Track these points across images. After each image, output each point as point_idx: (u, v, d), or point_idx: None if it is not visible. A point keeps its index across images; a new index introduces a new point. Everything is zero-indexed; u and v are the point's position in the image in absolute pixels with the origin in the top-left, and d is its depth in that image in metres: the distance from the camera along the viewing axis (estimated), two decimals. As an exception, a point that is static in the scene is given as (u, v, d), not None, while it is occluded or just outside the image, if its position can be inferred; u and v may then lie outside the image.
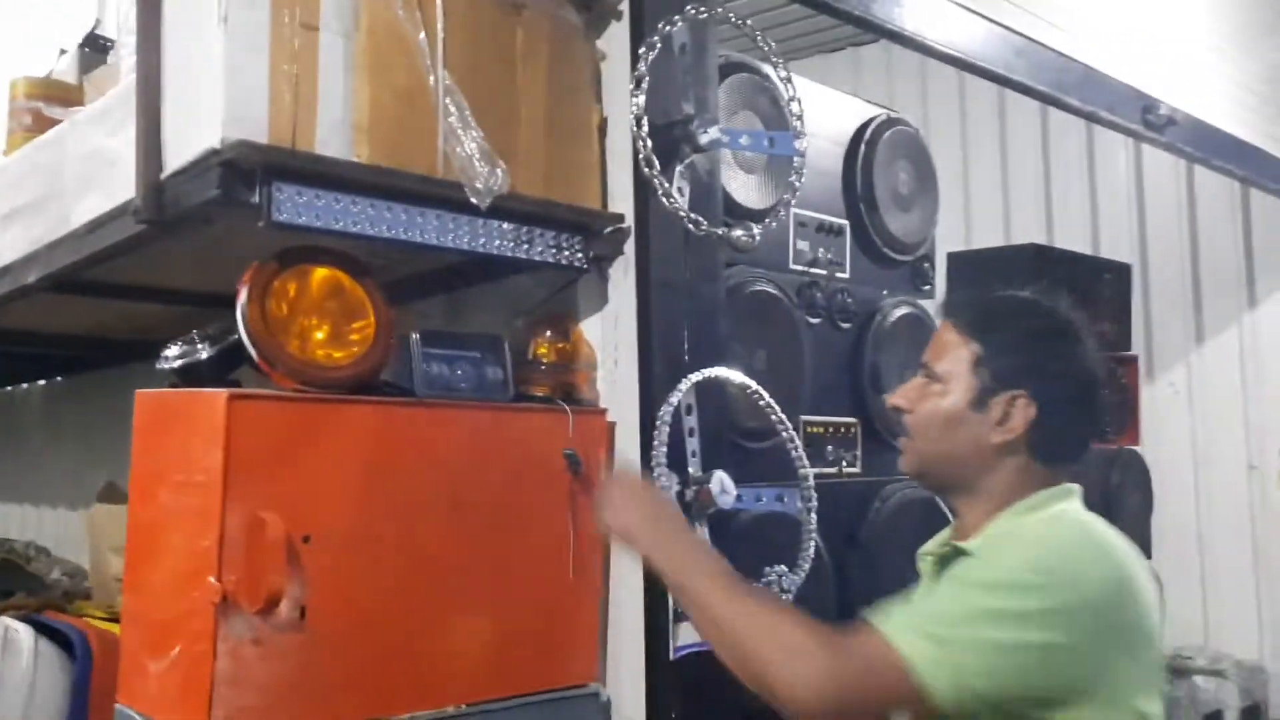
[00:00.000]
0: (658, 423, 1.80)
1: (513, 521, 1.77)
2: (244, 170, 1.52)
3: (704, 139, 1.88)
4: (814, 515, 2.03)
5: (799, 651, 1.29)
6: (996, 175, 5.10)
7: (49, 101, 2.39)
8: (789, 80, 2.02)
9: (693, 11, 1.87)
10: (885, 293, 2.62)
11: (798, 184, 2.01)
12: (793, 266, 2.41)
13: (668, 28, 1.83)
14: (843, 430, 2.42)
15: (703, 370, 1.88)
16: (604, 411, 1.92)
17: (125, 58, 1.99)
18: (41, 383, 4.24)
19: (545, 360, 1.93)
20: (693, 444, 1.89)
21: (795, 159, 2.00)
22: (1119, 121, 3.07)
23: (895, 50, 5.11)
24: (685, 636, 1.82)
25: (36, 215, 2.16)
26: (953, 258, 3.45)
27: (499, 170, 1.69)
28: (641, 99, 1.78)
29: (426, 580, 1.67)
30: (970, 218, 5.00)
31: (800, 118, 2.01)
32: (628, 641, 1.86)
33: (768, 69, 2.26)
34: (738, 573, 1.39)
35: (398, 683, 1.63)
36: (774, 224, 2.04)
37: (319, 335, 1.65)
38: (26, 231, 2.19)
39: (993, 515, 1.45)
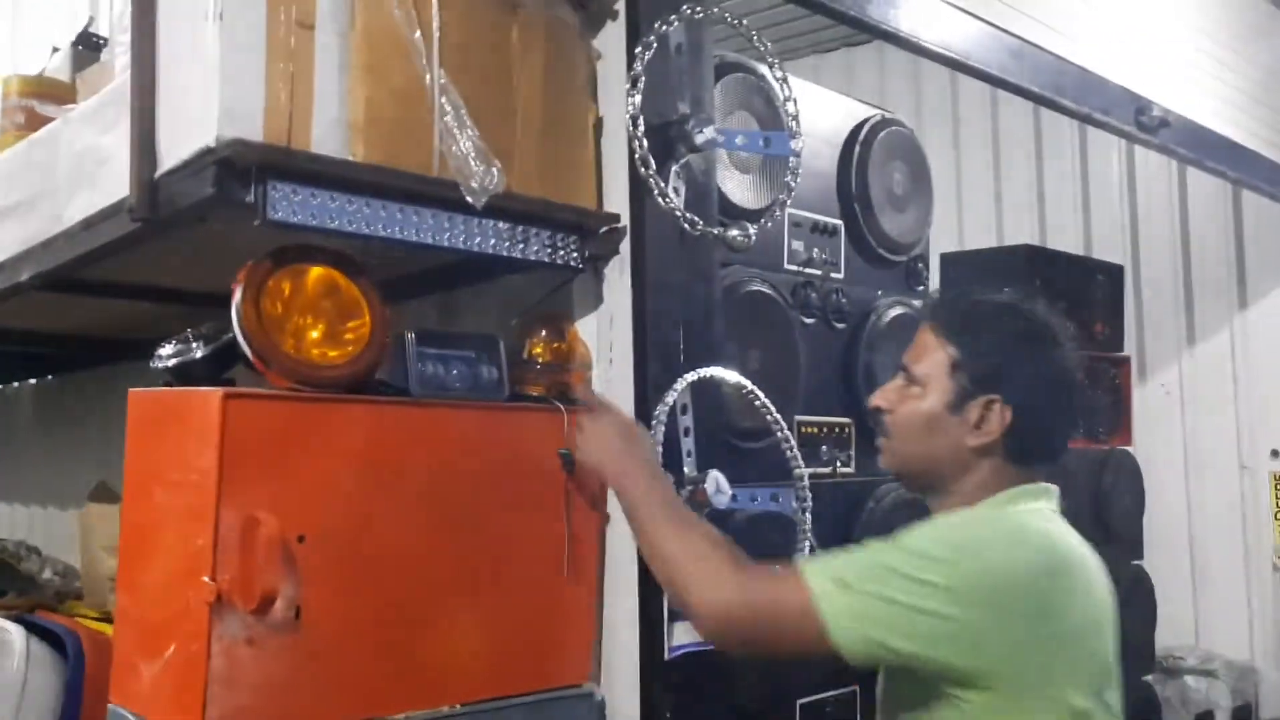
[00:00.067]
0: (653, 422, 1.80)
1: (508, 521, 1.77)
2: (239, 169, 1.51)
3: (699, 139, 1.88)
4: (809, 515, 2.04)
5: (717, 574, 1.43)
6: (989, 176, 5.11)
7: (42, 99, 2.39)
8: (785, 80, 2.02)
9: (688, 11, 1.87)
10: (880, 293, 2.62)
11: (793, 184, 2.01)
12: (787, 267, 2.42)
13: (664, 27, 1.84)
14: (837, 430, 2.42)
15: (698, 370, 1.88)
16: (599, 411, 1.91)
17: (119, 56, 1.98)
18: (32, 381, 4.23)
19: (540, 360, 1.93)
20: (688, 444, 1.89)
21: (790, 159, 2.00)
22: (1112, 123, 3.07)
23: (888, 51, 5.13)
24: (680, 637, 1.82)
25: (29, 213, 2.15)
26: (946, 258, 3.46)
27: (494, 170, 1.68)
28: (637, 99, 1.78)
29: (421, 580, 1.66)
30: (963, 218, 5.01)
31: (796, 118, 2.01)
32: (623, 641, 1.85)
33: (763, 69, 2.27)
34: (687, 509, 1.57)
35: (392, 682, 1.63)
36: (769, 224, 2.04)
37: (314, 334, 1.64)
38: (19, 230, 2.18)
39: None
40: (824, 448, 2.38)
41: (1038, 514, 1.47)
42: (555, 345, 1.95)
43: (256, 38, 1.55)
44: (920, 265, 2.80)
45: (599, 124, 1.96)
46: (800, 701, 2.14)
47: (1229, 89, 3.58)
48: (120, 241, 1.82)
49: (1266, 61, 3.83)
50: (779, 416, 2.02)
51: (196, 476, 1.50)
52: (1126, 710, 1.58)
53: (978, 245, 4.44)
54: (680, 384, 1.84)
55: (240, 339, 1.56)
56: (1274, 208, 4.27)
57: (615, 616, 1.88)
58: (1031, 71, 2.74)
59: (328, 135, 1.60)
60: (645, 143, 1.78)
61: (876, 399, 1.59)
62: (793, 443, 2.05)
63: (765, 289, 2.29)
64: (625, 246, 1.91)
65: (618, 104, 1.88)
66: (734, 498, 1.89)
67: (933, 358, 1.52)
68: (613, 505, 1.83)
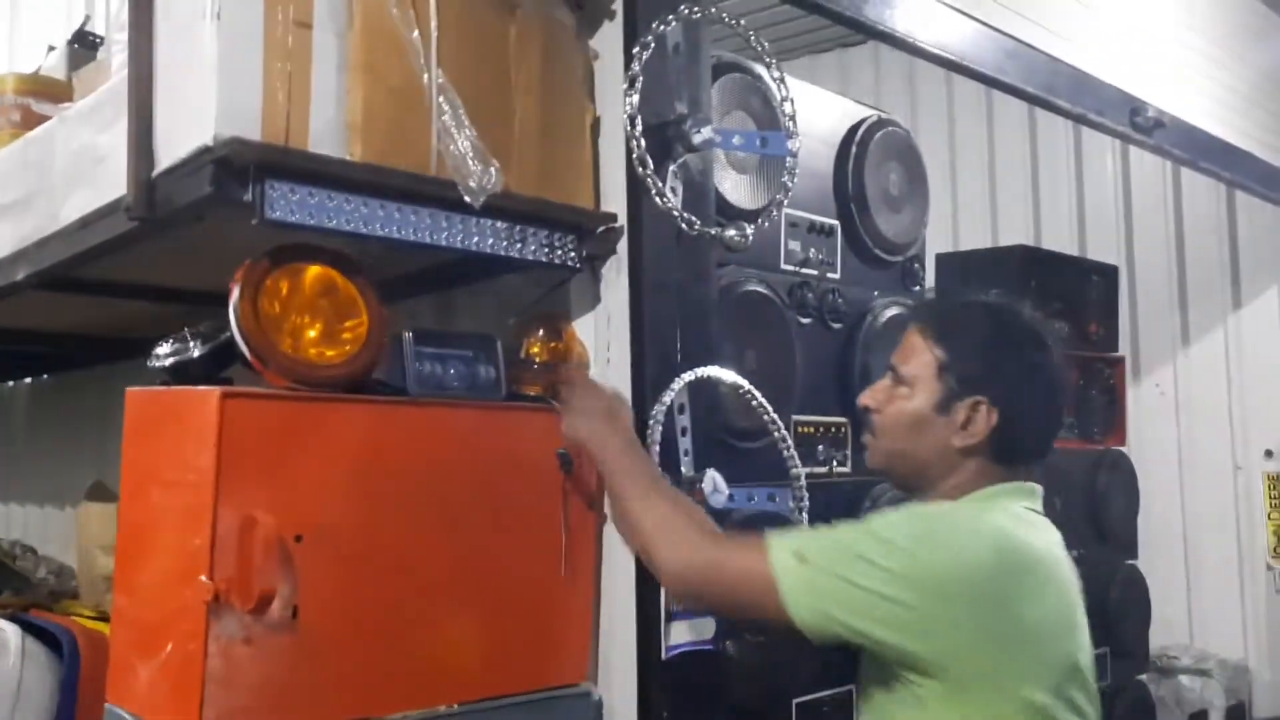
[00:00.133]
0: (650, 422, 1.80)
1: (505, 521, 1.77)
2: (237, 168, 1.51)
3: (697, 139, 1.88)
4: (805, 514, 2.04)
5: (683, 536, 1.52)
6: (984, 177, 5.12)
7: (38, 98, 2.39)
8: (782, 81, 2.02)
9: (686, 11, 1.87)
10: (876, 293, 2.62)
11: (790, 184, 2.02)
12: (784, 267, 2.42)
13: (661, 27, 1.84)
14: (833, 430, 2.42)
15: (695, 370, 1.88)
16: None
17: (115, 54, 1.98)
18: (28, 380, 4.22)
19: (538, 359, 1.93)
20: (685, 443, 1.89)
21: (787, 159, 2.01)
22: (1107, 124, 3.08)
23: (883, 51, 5.15)
24: (678, 636, 1.82)
25: (25, 212, 2.15)
26: (941, 259, 3.46)
27: (492, 169, 1.68)
28: (635, 98, 1.79)
29: (419, 579, 1.67)
30: (958, 219, 5.02)
31: (793, 118, 2.01)
32: (620, 641, 1.86)
33: (760, 69, 2.27)
34: (666, 481, 1.66)
35: (389, 682, 1.63)
36: (766, 224, 2.04)
37: (311, 333, 1.64)
38: (15, 228, 2.17)
39: None
40: (820, 447, 2.38)
41: (1008, 512, 1.49)
42: (552, 345, 1.96)
43: (254, 37, 1.54)
44: (916, 265, 2.80)
45: (596, 124, 1.96)
46: (796, 701, 2.14)
47: (1224, 90, 3.59)
48: (117, 240, 1.82)
49: (1261, 63, 3.85)
50: (776, 416, 2.02)
51: (194, 476, 1.50)
52: (1113, 710, 1.61)
53: (973, 246, 4.46)
54: (677, 384, 1.84)
55: (238, 338, 1.56)
56: (1268, 209, 4.28)
57: (612, 616, 1.88)
58: (1027, 72, 2.75)
59: (325, 134, 1.60)
60: (643, 142, 1.78)
61: (865, 398, 1.62)
62: (789, 442, 2.05)
63: (762, 289, 2.29)
64: (622, 246, 1.91)
65: (615, 104, 1.88)
66: (731, 497, 1.89)
67: (920, 359, 1.55)
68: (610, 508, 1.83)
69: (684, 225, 1.85)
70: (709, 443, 1.93)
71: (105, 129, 1.83)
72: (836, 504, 2.36)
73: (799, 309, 2.41)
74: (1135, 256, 4.71)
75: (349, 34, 1.63)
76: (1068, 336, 3.42)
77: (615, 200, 1.92)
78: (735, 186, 2.24)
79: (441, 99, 1.68)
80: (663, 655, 1.81)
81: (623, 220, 1.91)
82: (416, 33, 1.67)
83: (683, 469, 1.86)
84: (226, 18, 1.52)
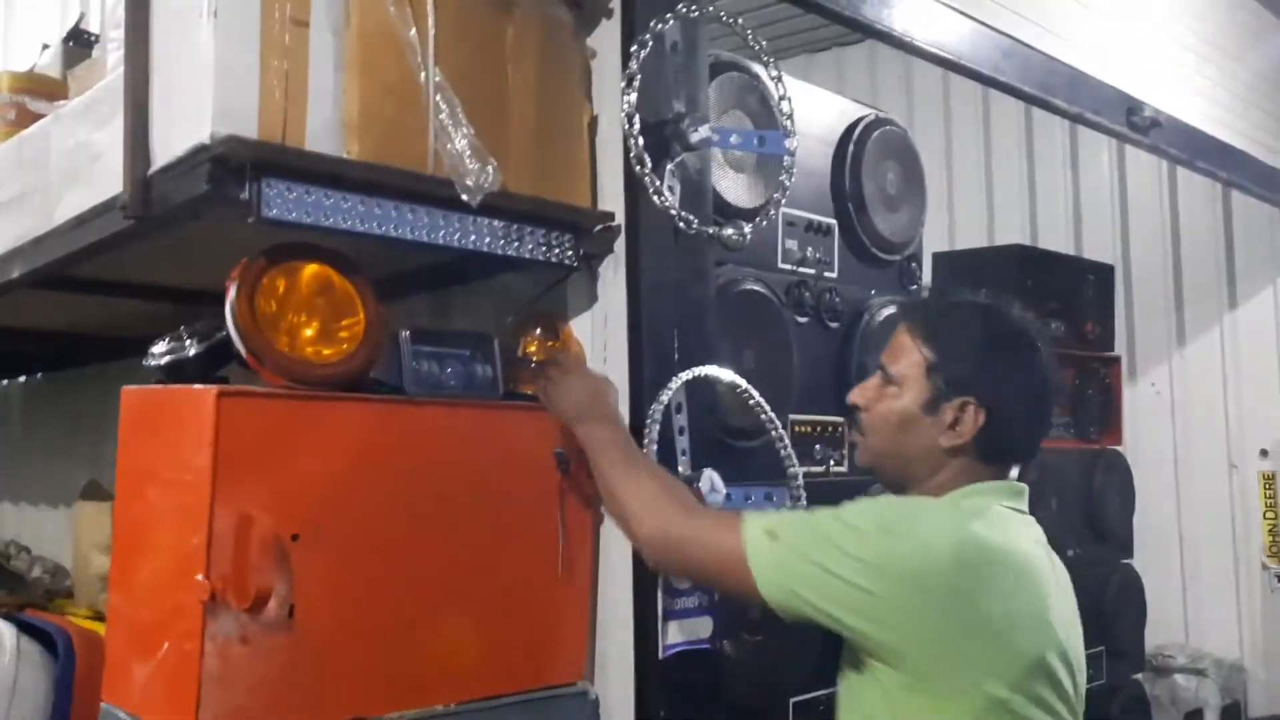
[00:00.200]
0: (647, 421, 1.80)
1: (502, 520, 1.76)
2: (234, 166, 1.50)
3: (694, 137, 1.88)
4: (802, 514, 2.04)
5: (660, 508, 1.57)
6: (980, 176, 5.13)
7: (33, 96, 2.38)
8: (779, 80, 2.02)
9: (684, 10, 1.87)
10: (873, 292, 2.62)
11: (787, 183, 2.01)
12: (781, 266, 2.42)
13: (659, 26, 1.83)
14: (830, 429, 2.42)
15: (692, 369, 1.88)
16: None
17: (111, 52, 1.98)
18: (22, 379, 4.21)
19: (535, 358, 1.93)
20: (682, 442, 1.88)
21: (785, 158, 2.00)
22: (1104, 123, 3.08)
23: (880, 51, 5.14)
24: (675, 635, 1.82)
25: (20, 210, 2.14)
26: (938, 258, 3.47)
27: (490, 168, 1.68)
28: (633, 97, 1.78)
29: (415, 579, 1.66)
30: (954, 218, 5.02)
31: (790, 117, 2.01)
32: (617, 640, 1.85)
33: (758, 68, 2.27)
34: (649, 458, 1.71)
35: (386, 681, 1.62)
36: (764, 223, 2.04)
37: (308, 332, 1.64)
38: (10, 227, 2.17)
39: None
40: (817, 447, 2.38)
41: (980, 510, 1.49)
42: (550, 344, 1.95)
43: (251, 35, 1.54)
44: (913, 265, 2.80)
45: (594, 122, 1.96)
46: (793, 700, 2.14)
47: (1220, 90, 3.60)
48: (113, 239, 1.81)
49: (1257, 63, 3.86)
50: (773, 415, 2.02)
51: (190, 475, 1.50)
52: (1108, 709, 1.62)
53: (969, 245, 4.47)
54: (675, 383, 1.84)
55: (234, 337, 1.55)
56: (1263, 208, 4.29)
57: (609, 615, 1.88)
58: (1023, 71, 2.75)
59: (322, 133, 1.60)
60: (640, 141, 1.78)
61: (854, 396, 1.64)
62: (787, 442, 2.05)
63: (759, 288, 2.29)
64: (620, 245, 1.91)
65: (613, 102, 1.88)
66: (728, 496, 1.89)
67: (909, 359, 1.56)
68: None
69: (681, 224, 1.85)
70: (706, 442, 1.93)
71: (101, 127, 1.83)
72: (834, 503, 2.36)
73: (796, 308, 2.41)
74: (1131, 256, 4.72)
75: (346, 32, 1.63)
76: (1064, 336, 3.43)
77: (613, 199, 1.92)
78: (733, 185, 2.24)
79: (439, 97, 1.68)
80: (660, 654, 1.81)
81: (620, 219, 1.91)
82: (414, 31, 1.66)
83: (680, 468, 1.86)
84: (223, 15, 1.51)
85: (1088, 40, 2.95)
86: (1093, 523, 3.35)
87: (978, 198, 5.10)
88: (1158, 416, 4.56)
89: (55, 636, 2.28)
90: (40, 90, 2.42)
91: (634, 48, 1.80)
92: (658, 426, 1.80)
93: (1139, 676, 3.53)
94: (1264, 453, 4.38)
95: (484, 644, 1.74)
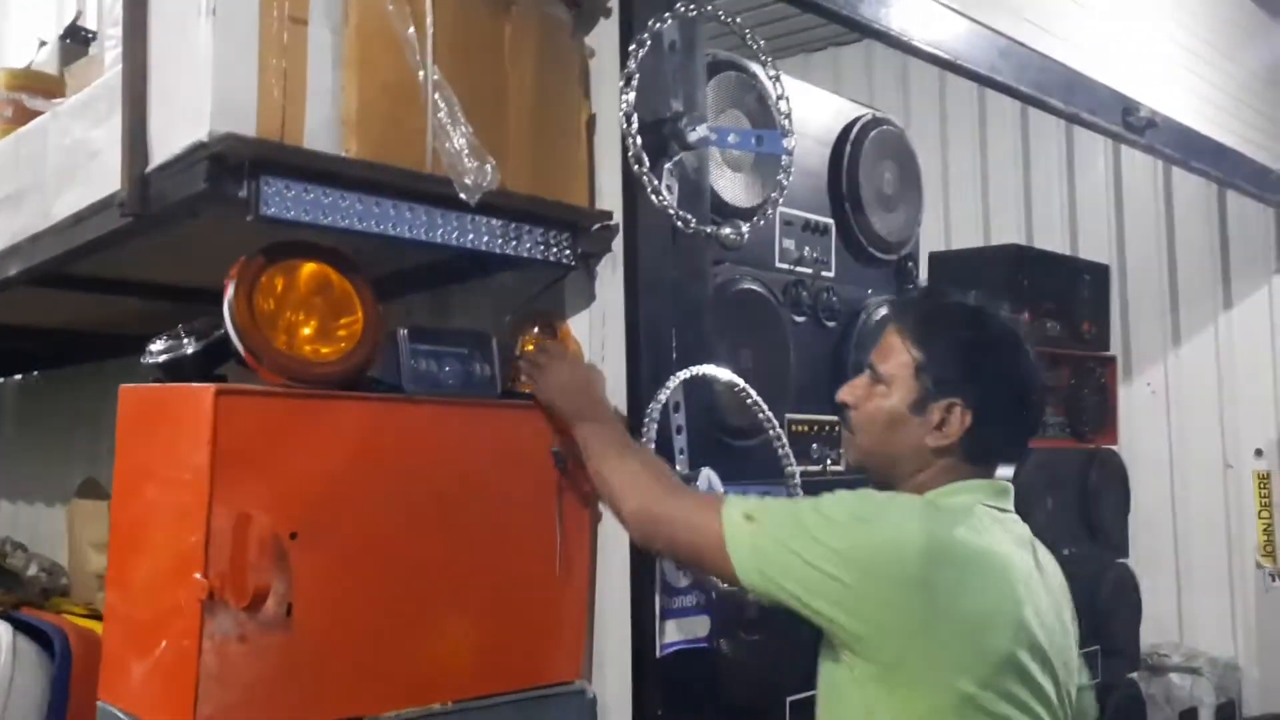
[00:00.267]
0: (645, 420, 1.80)
1: (500, 518, 1.77)
2: (232, 164, 1.50)
3: (692, 136, 1.88)
4: (800, 513, 2.04)
5: (646, 490, 1.62)
6: (976, 176, 5.13)
7: (30, 93, 2.38)
8: (777, 79, 2.02)
9: (682, 9, 1.87)
10: (870, 292, 2.63)
11: (785, 182, 2.02)
12: (778, 265, 2.42)
13: (657, 25, 1.83)
14: (828, 428, 2.42)
15: (690, 368, 1.88)
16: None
17: (108, 49, 1.97)
18: (18, 377, 4.20)
19: (531, 357, 1.92)
20: (680, 441, 1.89)
21: (783, 158, 2.00)
22: (1100, 123, 3.09)
23: (876, 50, 5.15)
24: (672, 634, 1.82)
25: (17, 208, 2.14)
26: (934, 258, 3.46)
27: (488, 166, 1.68)
28: (631, 96, 1.78)
29: (413, 577, 1.66)
30: (950, 218, 5.02)
31: (788, 116, 2.01)
32: (614, 639, 1.86)
33: (756, 68, 2.27)
34: (635, 443, 1.74)
35: (384, 680, 1.62)
36: (761, 222, 2.04)
37: (306, 331, 1.64)
38: (7, 224, 2.17)
39: None
40: (815, 445, 2.38)
41: (962, 508, 1.51)
42: (566, 349, 1.95)
43: (249, 32, 1.54)
44: (910, 264, 2.80)
45: (592, 121, 1.96)
46: (790, 699, 2.14)
47: (1215, 90, 3.60)
48: (110, 236, 1.81)
49: (1253, 63, 3.86)
50: (770, 414, 2.02)
51: (188, 473, 1.50)
52: (1103, 708, 1.63)
53: (965, 244, 4.47)
54: (672, 382, 1.84)
55: (232, 335, 1.56)
56: (1258, 208, 4.30)
57: (607, 614, 1.88)
58: (1020, 71, 2.75)
59: (321, 131, 1.60)
60: (638, 140, 1.78)
61: (843, 394, 1.65)
62: (784, 440, 2.05)
63: (756, 287, 2.29)
64: (618, 244, 1.91)
65: (611, 101, 1.88)
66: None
67: (897, 359, 1.58)
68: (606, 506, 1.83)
69: (679, 223, 1.85)
70: (704, 441, 1.93)
71: (98, 124, 1.83)
72: (830, 502, 2.36)
73: (793, 307, 2.41)
74: (1126, 256, 4.72)
75: (344, 30, 1.63)
76: (1059, 335, 3.43)
77: (610, 198, 1.92)
78: (730, 185, 2.24)
79: (437, 96, 1.68)
80: (657, 654, 1.81)
81: (618, 218, 1.91)
82: (412, 29, 1.66)
83: (678, 467, 1.86)
84: (222, 13, 1.51)
85: (1085, 40, 2.95)
86: (1088, 522, 3.35)
87: (974, 198, 5.10)
88: (1153, 416, 4.57)
89: (51, 635, 2.28)
90: (37, 87, 2.42)
91: (632, 47, 1.80)
92: (655, 425, 1.80)
93: (1134, 675, 3.53)
94: (1259, 452, 4.38)
95: (482, 643, 1.74)
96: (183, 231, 1.82)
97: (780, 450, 2.05)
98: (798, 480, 2.05)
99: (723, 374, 1.95)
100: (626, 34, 1.87)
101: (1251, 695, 4.29)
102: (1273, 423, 4.35)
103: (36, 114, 2.23)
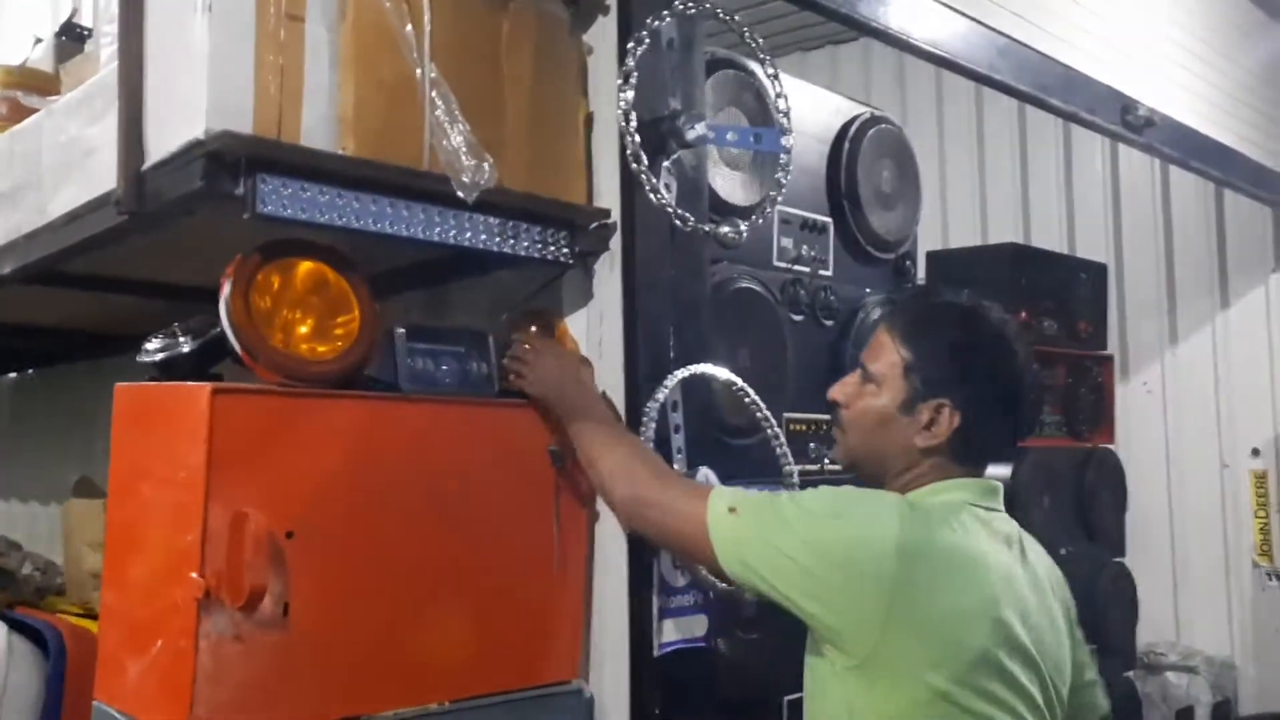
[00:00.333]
0: (643, 419, 1.80)
1: (497, 517, 1.76)
2: (228, 162, 1.50)
3: (691, 135, 1.87)
4: (798, 512, 2.03)
5: (634, 477, 1.65)
6: (974, 175, 5.12)
7: (25, 91, 2.36)
8: (776, 77, 2.01)
9: (680, 7, 1.87)
10: (868, 290, 2.62)
11: (783, 181, 2.01)
12: (776, 264, 2.42)
13: (655, 22, 1.83)
14: (825, 427, 2.41)
15: (688, 367, 1.88)
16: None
17: (104, 46, 1.96)
18: (12, 375, 4.19)
19: (528, 355, 1.92)
20: (678, 440, 1.88)
21: (781, 156, 2.00)
22: (1099, 122, 3.08)
23: (874, 48, 5.14)
24: (670, 634, 1.82)
25: (12, 206, 2.13)
26: (932, 257, 3.47)
27: (486, 164, 1.67)
28: (629, 94, 1.78)
29: (410, 576, 1.66)
30: (947, 217, 5.02)
31: (787, 114, 2.01)
32: (612, 638, 1.85)
33: (754, 66, 2.26)
34: (626, 431, 1.78)
35: (381, 679, 1.62)
36: (760, 221, 2.03)
37: (303, 329, 1.64)
38: (2, 222, 2.16)
39: None
40: (812, 444, 2.38)
41: (945, 506, 1.51)
42: (553, 341, 1.94)
43: (246, 30, 1.53)
44: (908, 263, 2.81)
45: (590, 119, 1.96)
46: (787, 698, 2.14)
47: (1214, 89, 3.60)
48: (106, 234, 1.80)
49: (1251, 63, 3.86)
50: (768, 413, 2.02)
51: (184, 472, 1.49)
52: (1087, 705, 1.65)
53: (962, 243, 4.47)
54: (670, 380, 1.84)
55: (229, 333, 1.55)
56: (1255, 207, 4.30)
57: (604, 613, 1.87)
58: (1018, 70, 2.74)
59: (318, 128, 1.59)
60: (636, 138, 1.77)
61: (834, 392, 1.66)
62: (782, 439, 2.05)
63: (754, 286, 2.29)
64: (616, 242, 1.91)
65: (609, 99, 1.88)
66: (723, 494, 1.88)
67: (887, 359, 1.58)
68: (603, 505, 1.83)
69: (677, 221, 1.84)
70: (702, 440, 1.93)
71: (94, 122, 1.82)
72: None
73: (791, 306, 2.41)
74: (1124, 255, 4.72)
75: (341, 27, 1.62)
76: (1056, 334, 3.44)
77: (609, 196, 1.92)
78: (728, 183, 2.23)
79: (434, 93, 1.67)
80: (655, 653, 1.81)
81: (616, 216, 1.91)
82: (409, 26, 1.66)
83: (676, 466, 1.86)
84: (218, 10, 1.50)
85: (1083, 39, 2.95)
86: (1085, 521, 3.36)
87: (971, 197, 5.09)
88: (1150, 415, 4.56)
89: (46, 634, 2.27)
90: (32, 85, 2.40)
91: (630, 44, 1.80)
92: (654, 424, 1.80)
93: (1130, 674, 3.54)
94: (1255, 451, 4.38)
95: (478, 642, 1.74)
96: (179, 229, 1.82)
97: (778, 449, 2.04)
98: (796, 479, 2.05)
99: (721, 373, 1.94)
100: (624, 31, 1.87)
101: (1247, 694, 4.29)
102: (1269, 422, 4.35)
103: (31, 111, 2.22)
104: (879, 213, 2.67)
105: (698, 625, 1.87)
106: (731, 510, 1.52)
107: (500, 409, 1.80)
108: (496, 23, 1.82)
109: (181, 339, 1.65)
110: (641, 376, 1.84)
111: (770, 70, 2.02)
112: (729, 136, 2.00)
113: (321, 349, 1.63)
